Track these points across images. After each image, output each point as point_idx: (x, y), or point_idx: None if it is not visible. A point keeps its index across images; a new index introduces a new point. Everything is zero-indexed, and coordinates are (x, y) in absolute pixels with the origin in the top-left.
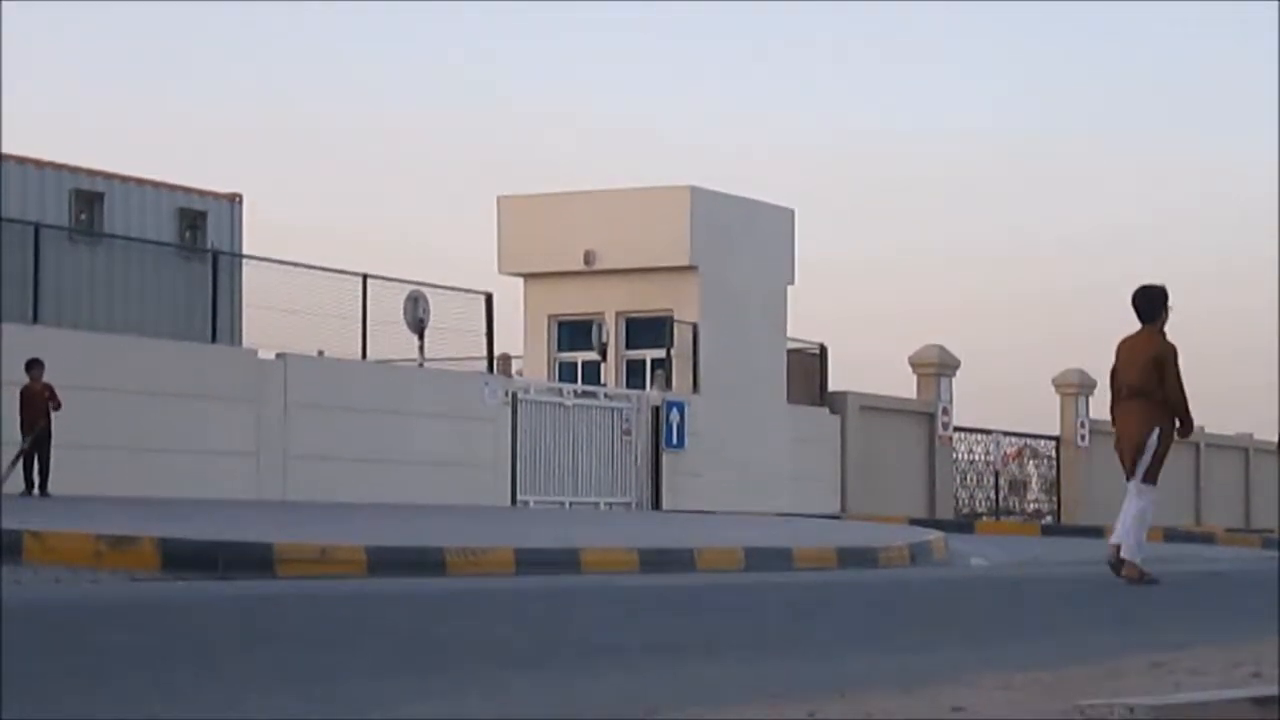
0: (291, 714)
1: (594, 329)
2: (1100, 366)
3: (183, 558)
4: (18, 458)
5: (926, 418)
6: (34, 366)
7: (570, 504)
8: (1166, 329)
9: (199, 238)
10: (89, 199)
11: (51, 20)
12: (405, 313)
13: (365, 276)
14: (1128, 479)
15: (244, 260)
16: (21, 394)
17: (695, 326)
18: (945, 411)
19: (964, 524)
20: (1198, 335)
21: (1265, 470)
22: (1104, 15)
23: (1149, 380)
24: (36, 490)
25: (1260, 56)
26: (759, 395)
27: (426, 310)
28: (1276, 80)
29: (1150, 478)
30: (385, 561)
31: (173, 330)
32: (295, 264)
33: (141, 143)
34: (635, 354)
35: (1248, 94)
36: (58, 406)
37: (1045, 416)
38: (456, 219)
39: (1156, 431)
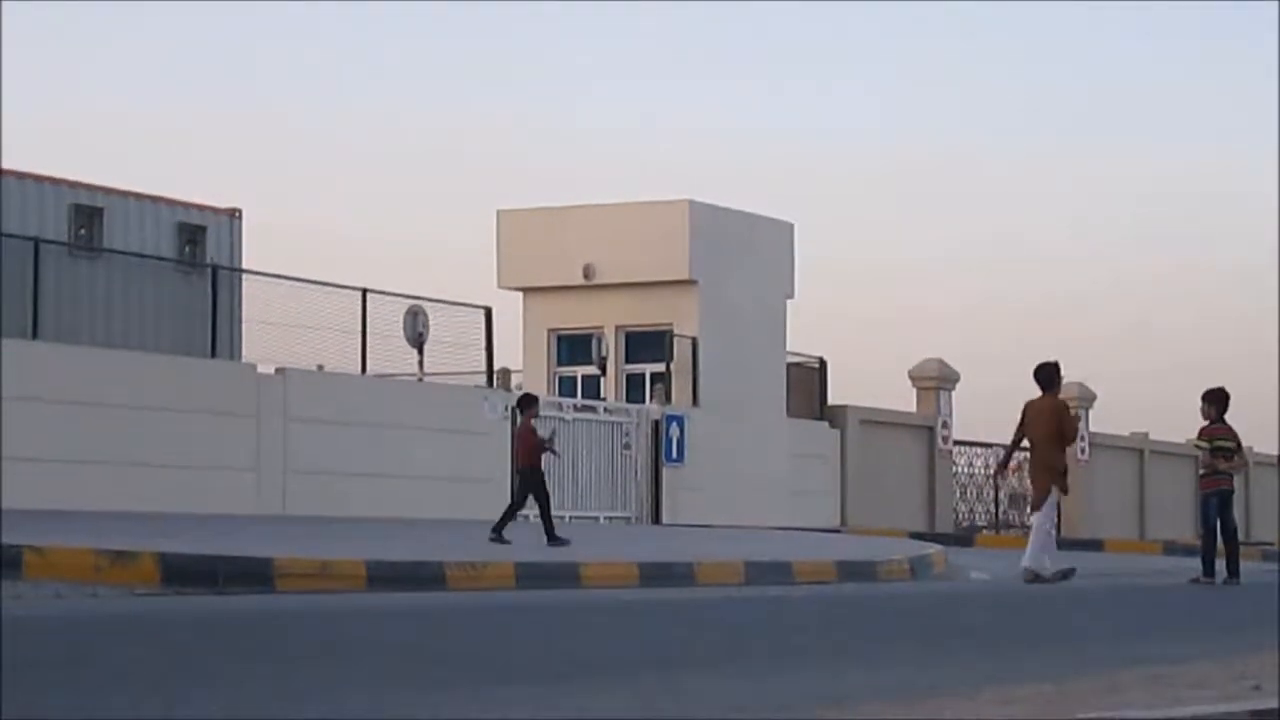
0: None
1: (593, 343)
2: (1100, 379)
3: (182, 572)
4: (511, 509)
5: (926, 431)
6: (528, 405)
7: (570, 518)
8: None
9: (199, 253)
10: (89, 214)
11: (50, 35)
12: (405, 327)
13: (365, 291)
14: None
15: (244, 275)
16: (519, 433)
17: (695, 340)
18: (945, 425)
19: (964, 537)
20: (1194, 345)
21: (1265, 483)
22: (1097, 17)
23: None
24: (545, 538)
25: (1264, 58)
26: (759, 409)
27: (426, 324)
28: (1277, 83)
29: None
30: (385, 576)
31: (172, 345)
32: (295, 279)
33: (141, 157)
34: (635, 368)
35: (1245, 95)
36: (543, 450)
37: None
38: (456, 233)
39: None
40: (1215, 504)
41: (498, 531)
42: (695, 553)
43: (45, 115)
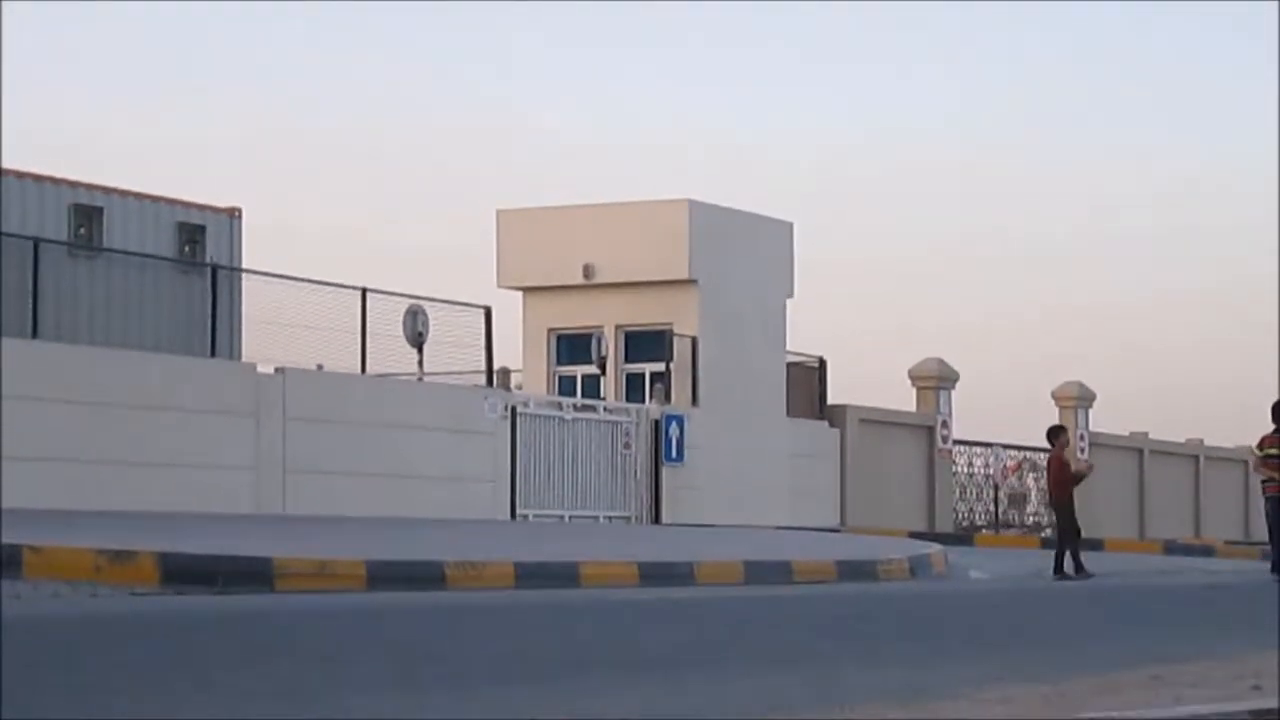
0: None
1: (593, 342)
2: (1100, 379)
3: (182, 572)
4: (1062, 548)
5: (926, 431)
6: (1056, 435)
7: (570, 517)
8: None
9: (198, 252)
10: (88, 213)
11: (50, 35)
12: (404, 326)
13: (364, 290)
14: None
15: (243, 274)
16: (1048, 464)
17: (694, 340)
18: (945, 424)
19: (963, 537)
20: (1197, 347)
21: None
22: (1102, 14)
23: None
24: (1069, 571)
25: (1261, 63)
26: (758, 408)
27: (425, 324)
28: (1277, 90)
29: None
30: (385, 575)
31: (172, 345)
32: (295, 278)
33: (141, 157)
34: (634, 367)
35: (1255, 100)
36: (1077, 481)
37: (1045, 429)
38: (456, 233)
39: None
40: (1269, 507)
41: (1059, 572)
42: (695, 552)
43: (45, 115)
